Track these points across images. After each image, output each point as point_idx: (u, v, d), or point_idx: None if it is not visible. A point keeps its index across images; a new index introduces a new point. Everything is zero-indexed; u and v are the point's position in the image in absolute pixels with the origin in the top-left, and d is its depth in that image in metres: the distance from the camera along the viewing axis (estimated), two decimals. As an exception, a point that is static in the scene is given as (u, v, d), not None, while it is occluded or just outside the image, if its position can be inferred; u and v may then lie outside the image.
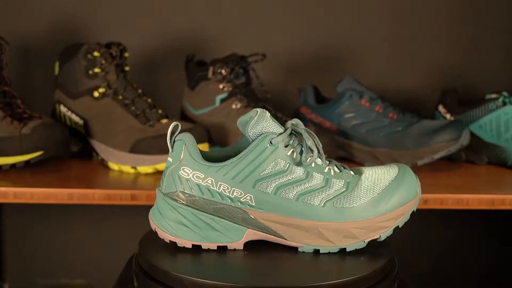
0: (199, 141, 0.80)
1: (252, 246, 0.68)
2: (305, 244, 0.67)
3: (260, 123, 0.65)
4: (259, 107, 1.01)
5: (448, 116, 1.12)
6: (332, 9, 1.22)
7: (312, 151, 0.66)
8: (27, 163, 0.90)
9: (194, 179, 0.66)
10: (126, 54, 1.02)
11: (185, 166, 0.66)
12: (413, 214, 0.69)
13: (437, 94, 1.18)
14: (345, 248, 0.67)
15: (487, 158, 1.06)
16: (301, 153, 0.66)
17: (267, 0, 1.22)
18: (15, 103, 0.95)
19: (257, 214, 0.66)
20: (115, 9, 1.19)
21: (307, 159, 0.65)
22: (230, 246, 0.67)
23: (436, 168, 1.02)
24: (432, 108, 1.19)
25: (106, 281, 1.09)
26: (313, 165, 0.66)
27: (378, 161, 1.02)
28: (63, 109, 1.02)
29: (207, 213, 0.66)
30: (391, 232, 0.68)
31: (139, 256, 0.68)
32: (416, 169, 1.00)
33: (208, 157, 0.69)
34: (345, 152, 1.06)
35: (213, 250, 0.67)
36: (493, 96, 1.07)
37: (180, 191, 0.66)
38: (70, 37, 1.16)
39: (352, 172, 0.69)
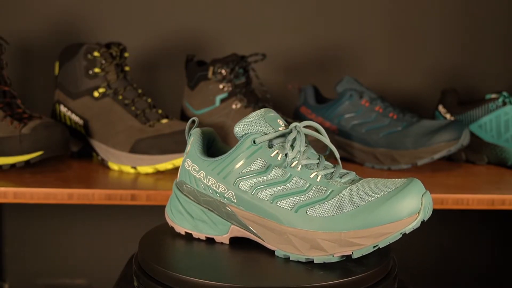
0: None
1: (255, 246, 0.68)
2: (278, 248, 0.65)
3: (253, 122, 0.65)
4: (259, 107, 1.01)
5: (448, 116, 1.12)
6: (332, 9, 1.22)
7: (299, 153, 0.64)
8: (27, 163, 0.90)
9: (192, 171, 0.68)
10: (126, 54, 1.02)
11: (188, 158, 0.69)
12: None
13: (437, 94, 1.18)
14: (312, 260, 0.63)
15: (487, 158, 1.06)
16: (287, 155, 0.64)
17: (267, 0, 1.22)
18: (15, 103, 0.95)
19: (238, 211, 0.66)
20: (115, 9, 1.19)
21: (291, 162, 0.64)
22: (217, 239, 0.69)
23: (436, 168, 1.02)
24: (432, 108, 1.19)
25: (106, 281, 1.09)
26: (298, 168, 0.64)
27: (378, 161, 1.02)
28: (63, 109, 1.02)
29: (199, 204, 0.69)
30: (369, 251, 0.61)
31: (139, 256, 0.68)
32: (416, 169, 1.00)
33: (220, 154, 0.70)
34: (345, 152, 1.06)
35: (213, 251, 0.68)
36: (493, 96, 1.07)
37: (183, 181, 0.70)
38: (70, 37, 1.16)
39: (346, 181, 0.64)
